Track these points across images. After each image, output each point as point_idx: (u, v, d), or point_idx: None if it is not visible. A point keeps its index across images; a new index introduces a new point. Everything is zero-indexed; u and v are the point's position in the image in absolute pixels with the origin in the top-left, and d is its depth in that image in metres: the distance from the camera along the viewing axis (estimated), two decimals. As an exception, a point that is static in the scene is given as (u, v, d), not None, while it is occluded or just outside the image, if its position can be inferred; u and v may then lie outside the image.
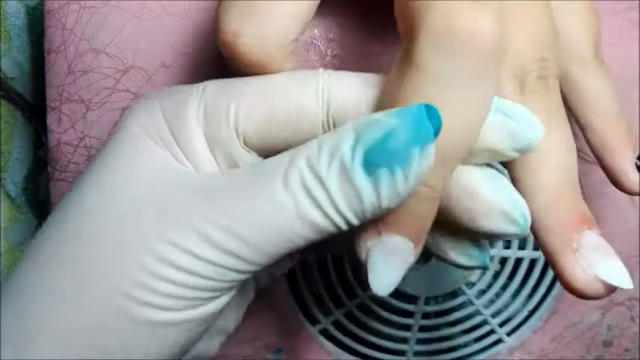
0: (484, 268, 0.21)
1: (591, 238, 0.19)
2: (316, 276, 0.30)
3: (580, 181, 0.29)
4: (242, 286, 0.22)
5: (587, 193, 0.29)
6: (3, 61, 0.33)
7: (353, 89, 0.18)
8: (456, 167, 0.18)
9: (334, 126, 0.18)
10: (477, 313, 0.32)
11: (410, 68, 0.17)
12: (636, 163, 0.23)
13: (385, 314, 0.31)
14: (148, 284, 0.17)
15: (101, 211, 0.18)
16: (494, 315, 0.32)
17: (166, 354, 0.18)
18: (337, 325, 0.31)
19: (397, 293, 0.31)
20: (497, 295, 0.32)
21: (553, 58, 0.20)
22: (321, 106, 0.18)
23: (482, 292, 0.32)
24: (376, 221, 0.18)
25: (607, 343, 0.32)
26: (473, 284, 0.31)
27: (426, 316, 0.32)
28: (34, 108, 0.35)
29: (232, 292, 0.19)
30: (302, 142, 0.18)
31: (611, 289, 0.18)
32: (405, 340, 0.32)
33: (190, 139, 0.19)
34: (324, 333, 0.31)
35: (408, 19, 0.17)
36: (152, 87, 0.27)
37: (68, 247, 0.18)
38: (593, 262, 0.18)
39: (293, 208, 0.16)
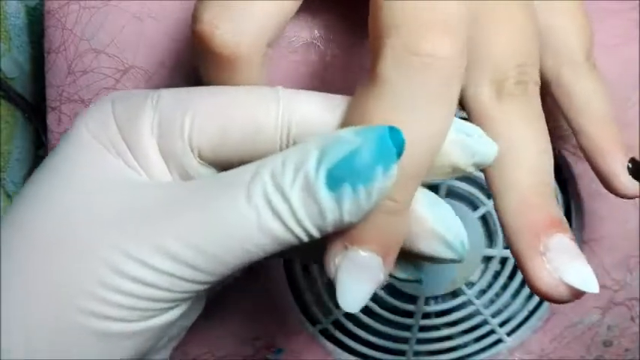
0: (417, 282, 0.22)
1: (560, 241, 0.19)
2: (316, 276, 0.30)
3: (579, 181, 0.29)
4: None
5: (587, 193, 0.29)
6: (3, 61, 0.33)
7: (314, 111, 0.18)
8: (420, 181, 0.18)
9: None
10: (477, 313, 0.32)
11: (374, 84, 0.17)
12: (628, 166, 0.23)
13: (385, 314, 0.31)
14: (101, 296, 0.17)
15: (52, 219, 0.18)
16: (494, 315, 0.32)
17: None
18: (337, 325, 0.31)
19: (397, 293, 0.31)
20: (497, 295, 0.32)
21: (534, 64, 0.20)
22: (280, 127, 0.18)
23: (483, 292, 0.32)
24: (343, 237, 0.18)
25: (607, 343, 0.32)
26: (473, 284, 0.31)
27: (426, 316, 0.32)
28: (34, 108, 0.35)
29: (189, 303, 0.19)
30: (257, 159, 0.18)
31: (577, 294, 0.18)
32: (405, 340, 0.32)
33: (144, 149, 0.18)
34: (324, 333, 0.31)
35: (375, 38, 0.18)
36: (152, 87, 0.27)
37: (19, 255, 0.18)
38: (560, 265, 0.18)
39: (255, 221, 0.16)
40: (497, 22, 0.20)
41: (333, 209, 0.16)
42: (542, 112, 0.20)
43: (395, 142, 0.16)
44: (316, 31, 0.26)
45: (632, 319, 0.31)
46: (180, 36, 0.26)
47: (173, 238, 0.17)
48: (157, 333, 0.18)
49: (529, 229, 0.19)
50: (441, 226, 0.19)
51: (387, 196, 0.17)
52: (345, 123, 0.18)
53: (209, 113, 0.18)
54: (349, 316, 0.31)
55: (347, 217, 0.17)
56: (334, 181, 0.16)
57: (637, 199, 0.29)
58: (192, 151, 0.18)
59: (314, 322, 0.31)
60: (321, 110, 0.18)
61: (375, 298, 0.31)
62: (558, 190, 0.30)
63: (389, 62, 0.17)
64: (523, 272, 0.19)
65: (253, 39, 0.19)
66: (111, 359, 0.18)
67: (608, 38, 0.27)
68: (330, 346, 0.31)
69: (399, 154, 0.16)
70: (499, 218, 0.20)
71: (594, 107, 0.23)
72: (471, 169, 0.19)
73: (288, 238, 0.17)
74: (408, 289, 0.31)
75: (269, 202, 0.16)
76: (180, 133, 0.18)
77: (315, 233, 0.17)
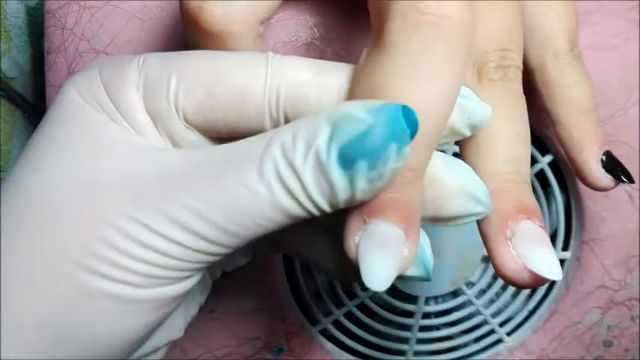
0: (426, 279, 0.21)
1: (527, 227, 0.19)
2: (316, 276, 0.30)
3: (579, 181, 0.29)
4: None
5: (587, 193, 0.29)
6: (3, 61, 0.33)
7: (303, 74, 0.18)
8: (435, 146, 0.17)
9: (282, 112, 0.18)
10: (477, 313, 0.32)
11: (382, 48, 0.17)
12: (602, 159, 0.23)
13: (385, 314, 0.31)
14: (113, 260, 0.16)
15: (58, 186, 0.17)
16: (494, 315, 0.32)
17: (132, 333, 0.18)
18: (337, 325, 0.31)
19: (397, 293, 0.31)
20: (498, 295, 0.32)
21: (516, 50, 0.20)
22: (268, 90, 0.18)
23: (483, 292, 0.32)
24: (361, 211, 0.17)
25: (607, 343, 0.32)
26: (473, 284, 0.31)
27: (426, 316, 0.32)
28: (34, 108, 0.35)
29: (200, 274, 0.18)
30: (245, 125, 0.18)
31: (539, 279, 0.18)
32: (405, 340, 0.32)
33: (130, 109, 0.18)
34: (324, 333, 0.31)
35: (379, 7, 0.17)
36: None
37: (24, 221, 0.17)
38: (523, 250, 0.18)
39: (267, 196, 0.16)
40: (484, 9, 0.20)
41: (345, 188, 0.16)
42: (522, 97, 0.20)
43: (408, 122, 0.15)
44: (316, 31, 0.26)
45: (632, 319, 0.31)
46: (180, 36, 0.26)
47: (185, 210, 0.16)
48: (169, 303, 0.18)
49: (498, 215, 0.19)
50: (465, 182, 0.18)
51: (405, 166, 0.16)
52: (354, 90, 0.18)
53: (197, 74, 0.18)
54: (349, 316, 0.31)
55: (359, 195, 0.16)
56: (346, 161, 0.16)
57: (637, 199, 0.29)
58: (177, 112, 0.18)
59: (314, 322, 0.31)
60: (311, 74, 0.18)
61: (375, 298, 0.31)
62: (558, 190, 0.30)
63: (397, 25, 0.16)
64: (490, 257, 0.19)
65: (244, 14, 0.18)
66: (121, 325, 0.17)
67: (608, 38, 0.27)
68: (330, 346, 0.31)
69: (413, 134, 0.16)
70: None
71: (574, 98, 0.23)
72: (466, 132, 0.19)
73: (300, 213, 0.17)
74: (408, 289, 0.31)
75: (281, 179, 0.16)
76: (166, 93, 0.18)
77: (327, 208, 0.17)
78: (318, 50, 0.26)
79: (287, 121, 0.18)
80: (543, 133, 0.28)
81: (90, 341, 0.17)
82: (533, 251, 0.18)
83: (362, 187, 0.16)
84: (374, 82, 0.17)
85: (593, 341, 0.31)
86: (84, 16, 0.26)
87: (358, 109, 0.16)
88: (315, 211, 0.17)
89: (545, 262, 0.18)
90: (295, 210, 0.16)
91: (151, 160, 0.17)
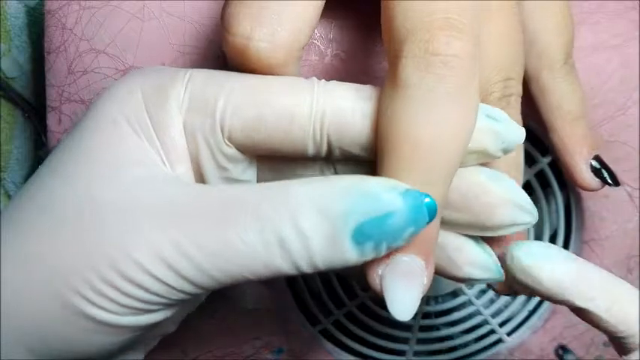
0: (499, 280, 0.21)
1: None
2: (316, 276, 0.30)
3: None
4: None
5: (587, 193, 0.29)
6: (3, 61, 0.33)
7: (347, 101, 0.18)
8: (452, 179, 0.18)
9: (326, 137, 0.18)
10: (477, 313, 0.32)
11: (397, 89, 0.18)
12: (591, 164, 0.25)
13: (385, 314, 0.31)
14: (99, 289, 0.17)
15: (67, 199, 0.18)
16: (494, 315, 0.32)
17: (107, 347, 0.19)
18: (337, 325, 0.31)
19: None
20: (498, 295, 0.32)
21: (518, 78, 0.22)
22: (314, 115, 0.18)
23: (483, 292, 0.32)
24: None
25: (607, 344, 0.31)
26: (473, 284, 0.31)
27: (426, 316, 0.32)
28: (34, 108, 0.35)
29: (177, 307, 0.19)
30: (287, 147, 0.18)
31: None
32: (405, 340, 0.32)
33: (167, 127, 0.18)
34: (324, 333, 0.31)
35: (392, 43, 0.18)
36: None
37: (36, 228, 0.18)
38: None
39: (262, 256, 0.17)
40: (488, 33, 0.21)
41: (353, 259, 0.17)
42: (520, 121, 0.22)
43: (428, 209, 0.17)
44: (317, 32, 0.26)
45: (632, 319, 0.31)
46: (180, 36, 0.26)
47: (175, 248, 0.17)
48: (143, 329, 0.19)
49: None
50: (511, 193, 0.19)
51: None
52: (377, 132, 0.18)
53: (245, 96, 0.18)
54: (349, 316, 0.31)
55: (362, 262, 0.17)
56: (362, 236, 0.16)
57: (637, 200, 0.29)
58: (222, 130, 0.18)
59: (314, 322, 0.31)
60: (354, 100, 0.19)
61: (375, 298, 0.31)
62: (558, 190, 0.30)
63: (409, 66, 0.17)
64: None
65: (288, 44, 0.19)
66: (96, 342, 0.18)
67: (608, 38, 0.27)
68: (330, 346, 0.31)
69: (431, 218, 0.17)
70: None
71: (566, 107, 0.25)
72: (500, 154, 0.19)
73: (290, 272, 0.17)
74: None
75: (282, 243, 0.16)
76: (213, 111, 0.18)
77: (324, 269, 0.17)
78: (318, 51, 0.26)
79: (329, 145, 0.19)
80: (544, 134, 0.28)
81: (67, 349, 0.18)
82: None
83: (368, 257, 0.17)
84: (392, 120, 0.17)
85: (593, 341, 0.31)
86: (84, 16, 0.26)
87: (380, 188, 0.17)
88: (309, 272, 0.17)
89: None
90: (287, 270, 0.17)
91: (160, 191, 0.18)
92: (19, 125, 0.35)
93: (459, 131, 0.18)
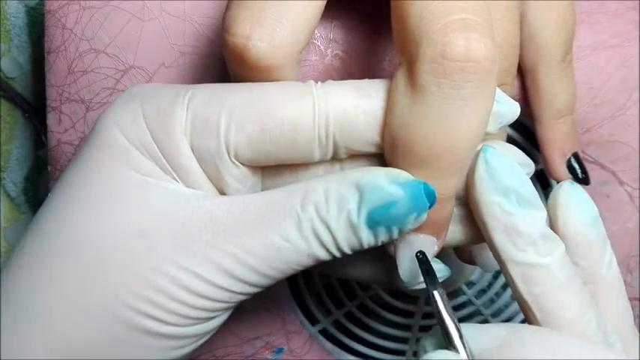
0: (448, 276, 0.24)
1: None
2: (316, 276, 0.30)
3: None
4: None
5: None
6: (3, 61, 0.33)
7: (348, 100, 0.19)
8: (465, 171, 0.19)
9: (332, 139, 0.19)
10: (477, 313, 0.32)
11: (414, 92, 0.18)
12: (569, 160, 0.26)
13: (385, 314, 0.31)
14: (159, 303, 0.18)
15: (109, 233, 0.18)
16: (494, 315, 0.32)
17: None
18: (337, 325, 0.31)
19: (397, 293, 0.31)
20: (497, 295, 0.32)
21: (512, 69, 0.23)
22: (317, 120, 0.18)
23: (482, 292, 0.32)
24: None
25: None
26: (473, 284, 0.31)
27: (426, 316, 0.32)
28: (34, 108, 0.35)
29: (232, 309, 0.20)
30: (294, 155, 0.19)
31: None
32: (405, 340, 0.32)
33: (177, 155, 0.19)
34: (324, 333, 0.31)
35: (407, 46, 0.18)
36: (152, 87, 0.27)
37: (79, 262, 0.19)
38: None
39: (305, 249, 0.19)
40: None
41: (370, 241, 0.19)
42: None
43: (427, 195, 0.18)
44: (317, 32, 0.26)
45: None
46: (180, 36, 0.26)
47: (231, 259, 0.18)
48: (204, 336, 0.20)
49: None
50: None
51: (438, 192, 0.19)
52: (390, 123, 0.18)
53: (245, 110, 0.18)
54: (349, 316, 0.31)
55: (380, 243, 0.19)
56: (373, 222, 0.18)
57: (637, 199, 0.29)
58: (227, 150, 0.19)
59: (314, 322, 0.31)
60: (354, 99, 0.19)
61: (375, 298, 0.31)
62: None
63: (426, 72, 0.17)
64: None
65: (287, 46, 0.19)
66: (158, 356, 0.19)
67: (608, 38, 0.27)
68: (330, 346, 0.31)
69: (431, 204, 0.19)
70: None
71: (556, 103, 0.25)
72: (495, 130, 0.20)
73: (327, 258, 0.19)
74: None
75: (316, 234, 0.18)
76: (217, 132, 0.18)
77: (350, 252, 0.19)
78: (318, 51, 0.26)
79: (335, 147, 0.19)
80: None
81: None
82: None
83: (383, 239, 0.19)
84: (409, 122, 0.18)
85: (593, 341, 0.31)
86: (84, 16, 0.26)
87: (384, 179, 0.18)
88: (338, 255, 0.19)
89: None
90: (324, 256, 0.19)
91: (194, 210, 0.19)
92: (19, 125, 0.35)
93: (473, 133, 0.18)
